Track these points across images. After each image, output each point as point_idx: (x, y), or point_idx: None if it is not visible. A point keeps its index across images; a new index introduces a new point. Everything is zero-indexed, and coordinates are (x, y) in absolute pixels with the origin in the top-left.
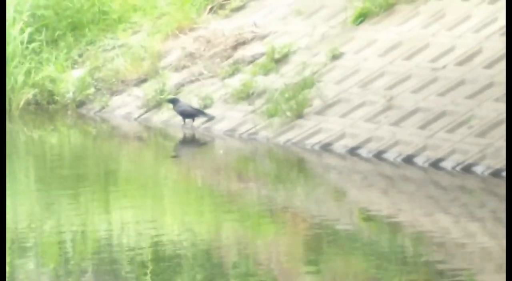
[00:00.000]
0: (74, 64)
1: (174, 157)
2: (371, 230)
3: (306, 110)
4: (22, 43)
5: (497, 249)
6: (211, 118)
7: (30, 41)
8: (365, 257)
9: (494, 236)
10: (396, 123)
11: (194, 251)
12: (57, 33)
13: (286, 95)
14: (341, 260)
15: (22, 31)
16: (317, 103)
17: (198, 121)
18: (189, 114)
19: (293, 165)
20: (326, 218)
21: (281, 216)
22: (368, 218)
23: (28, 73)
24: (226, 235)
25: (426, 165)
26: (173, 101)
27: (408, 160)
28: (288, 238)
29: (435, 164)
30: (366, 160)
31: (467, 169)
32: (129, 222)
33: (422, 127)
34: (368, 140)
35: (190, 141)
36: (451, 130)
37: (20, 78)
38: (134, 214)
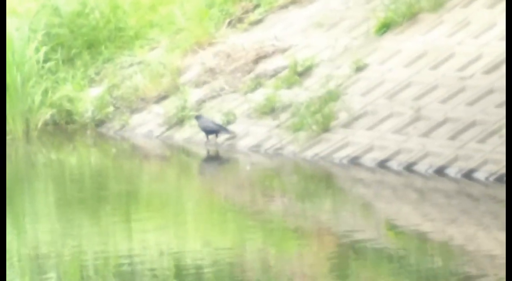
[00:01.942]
0: (92, 82)
1: (200, 175)
2: (400, 243)
3: (332, 124)
4: (38, 62)
5: None
6: (232, 135)
7: (46, 60)
8: (393, 271)
9: None
10: (426, 134)
11: (217, 268)
12: (73, 51)
13: (312, 109)
14: (369, 275)
15: (37, 50)
16: (343, 116)
17: (222, 137)
18: (211, 130)
19: (322, 179)
20: (354, 233)
21: (309, 231)
22: (398, 232)
23: (45, 93)
24: (251, 252)
25: (458, 176)
26: (197, 117)
27: (440, 171)
28: (314, 253)
29: (468, 175)
30: (396, 173)
31: (501, 179)
32: (152, 242)
33: (452, 137)
34: (397, 153)
35: (214, 159)
36: (482, 140)
37: (37, 98)
38: (156, 234)
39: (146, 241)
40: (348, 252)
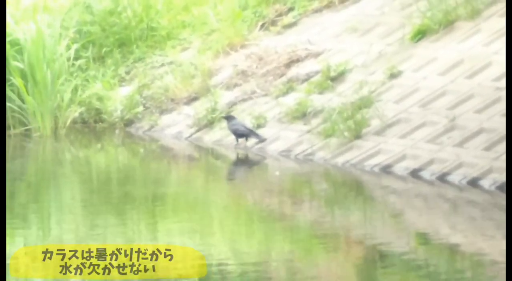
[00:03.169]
0: (122, 81)
1: (228, 179)
2: (429, 254)
3: (364, 130)
4: (68, 59)
5: None
6: (262, 140)
7: (77, 57)
8: None
9: None
10: (460, 144)
11: (242, 274)
12: (104, 49)
13: (344, 115)
14: None
15: (68, 47)
16: (375, 123)
17: (251, 141)
18: (241, 133)
19: (352, 187)
20: (382, 242)
21: (336, 240)
22: (427, 243)
23: (74, 90)
24: (277, 259)
25: (492, 188)
26: (228, 118)
27: (474, 183)
28: (341, 262)
29: (502, 188)
30: (429, 182)
31: None
32: (177, 245)
33: (487, 148)
34: (430, 162)
35: (244, 162)
36: None
37: (67, 96)
38: (182, 237)
39: (171, 244)
40: (376, 262)
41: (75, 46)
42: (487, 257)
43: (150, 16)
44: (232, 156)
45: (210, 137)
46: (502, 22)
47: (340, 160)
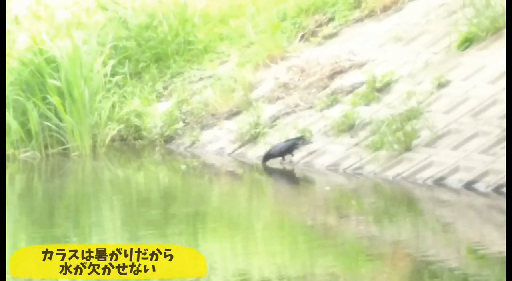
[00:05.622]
0: (160, 97)
1: (275, 195)
2: (482, 269)
3: (414, 142)
4: (105, 76)
5: None
6: (308, 142)
7: (113, 74)
8: None
9: None
10: None
11: None
12: (140, 65)
13: (393, 127)
14: None
15: (104, 64)
16: (425, 135)
17: (300, 147)
18: (286, 149)
19: (404, 201)
20: (432, 257)
21: (384, 255)
22: (480, 257)
23: (112, 107)
24: (322, 274)
25: None
26: (268, 154)
27: None
28: (387, 277)
29: None
30: (484, 194)
31: None
32: (219, 262)
33: None
34: (485, 174)
35: (290, 177)
36: None
37: (105, 113)
38: (224, 254)
39: (213, 261)
40: (424, 277)
41: (111, 62)
42: None
43: (187, 29)
44: (278, 172)
45: (254, 153)
46: None
47: (390, 173)
